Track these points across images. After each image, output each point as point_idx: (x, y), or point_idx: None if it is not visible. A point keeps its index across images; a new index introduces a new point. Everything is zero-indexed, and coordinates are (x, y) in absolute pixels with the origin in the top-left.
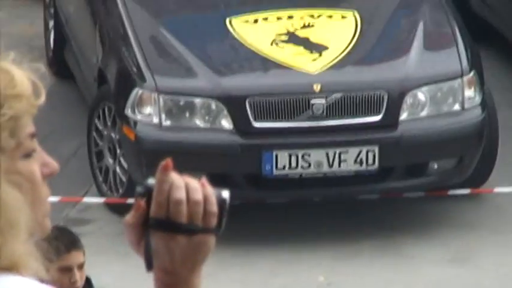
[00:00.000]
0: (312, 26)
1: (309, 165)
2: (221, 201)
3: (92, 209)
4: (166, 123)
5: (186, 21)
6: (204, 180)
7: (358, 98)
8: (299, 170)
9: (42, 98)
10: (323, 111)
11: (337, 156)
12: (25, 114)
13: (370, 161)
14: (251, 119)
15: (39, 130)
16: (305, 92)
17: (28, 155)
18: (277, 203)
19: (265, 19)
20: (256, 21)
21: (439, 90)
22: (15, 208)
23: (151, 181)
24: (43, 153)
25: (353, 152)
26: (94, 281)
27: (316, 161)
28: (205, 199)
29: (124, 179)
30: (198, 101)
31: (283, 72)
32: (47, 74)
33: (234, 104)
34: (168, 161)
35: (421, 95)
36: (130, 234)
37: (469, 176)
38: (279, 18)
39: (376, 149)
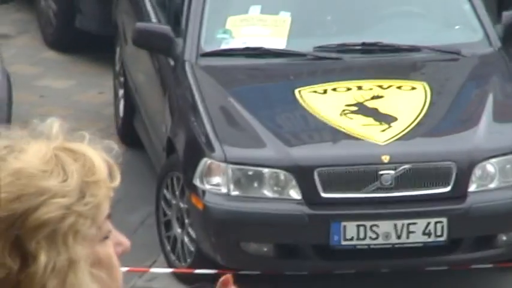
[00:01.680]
0: (381, 96)
1: (377, 236)
2: None
3: (159, 278)
4: (235, 193)
5: (255, 91)
6: None
7: (426, 169)
8: (367, 241)
9: (118, 180)
10: (391, 183)
11: (405, 227)
12: (105, 199)
13: (439, 232)
14: (319, 189)
15: None
16: (374, 163)
17: (106, 237)
18: (346, 273)
19: (334, 89)
20: (325, 91)
21: (508, 163)
22: None
23: None
24: (116, 232)
25: (421, 223)
26: None
27: (385, 232)
28: None
29: (192, 248)
30: (266, 171)
31: (352, 143)
32: (119, 152)
33: (302, 174)
34: (228, 277)
35: (490, 166)
36: None
37: None
38: (348, 89)
39: (445, 221)
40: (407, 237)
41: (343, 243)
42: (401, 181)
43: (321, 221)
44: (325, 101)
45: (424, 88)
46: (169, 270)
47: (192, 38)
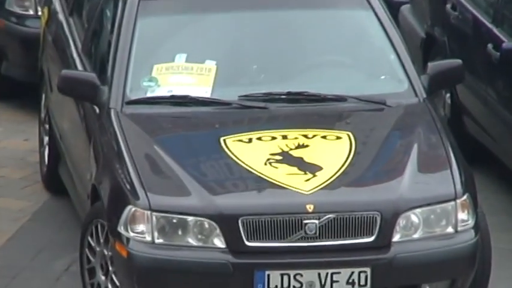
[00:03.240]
0: (307, 146)
1: (301, 285)
2: None
3: None
4: (159, 240)
5: (180, 139)
6: None
7: (351, 219)
8: None
9: None
10: (316, 232)
11: (329, 277)
12: None
13: (363, 282)
14: (244, 238)
15: (33, 246)
16: (298, 212)
17: None
18: None
19: (259, 138)
20: (250, 140)
21: (432, 213)
22: None
23: None
24: None
25: (345, 273)
26: None
27: (308, 281)
28: None
29: None
30: (190, 219)
31: (277, 192)
32: None
33: (226, 223)
34: None
35: (414, 217)
36: None
37: None
38: (273, 138)
39: (369, 271)
40: (331, 287)
41: None
42: (325, 230)
43: (245, 269)
44: (250, 150)
45: (349, 138)
46: None
47: (118, 85)
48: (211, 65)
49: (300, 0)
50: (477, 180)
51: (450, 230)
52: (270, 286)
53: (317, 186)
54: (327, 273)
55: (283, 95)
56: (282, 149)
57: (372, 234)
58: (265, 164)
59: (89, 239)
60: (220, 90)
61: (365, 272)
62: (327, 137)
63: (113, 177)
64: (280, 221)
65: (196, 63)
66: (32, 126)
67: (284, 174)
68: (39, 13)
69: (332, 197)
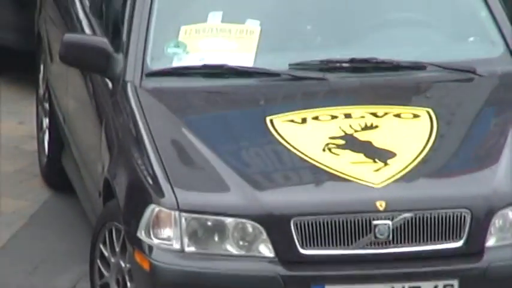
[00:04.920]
0: (376, 127)
1: None
2: None
3: None
4: (190, 249)
5: (215, 120)
6: None
7: (433, 219)
8: None
9: None
10: (388, 235)
11: None
12: None
13: None
14: (297, 244)
15: (30, 257)
16: (366, 211)
17: None
18: None
19: (316, 118)
20: (304, 120)
21: None
22: None
23: None
24: None
25: (426, 287)
26: None
27: None
28: None
29: None
30: (230, 221)
31: (339, 186)
32: None
33: (275, 226)
34: None
35: None
36: None
37: None
38: (333, 117)
39: (456, 284)
40: None
41: None
42: (400, 233)
43: (299, 284)
44: (305, 133)
45: (430, 116)
46: None
47: (136, 53)
48: (253, 25)
49: None
50: None
51: None
52: None
53: (389, 178)
54: None
55: (346, 62)
56: (344, 131)
57: (460, 238)
58: (324, 150)
59: (101, 247)
60: (266, 58)
61: (451, 285)
62: (401, 115)
63: (131, 169)
64: (343, 222)
65: (234, 23)
66: (28, 105)
67: (348, 163)
68: None
69: (408, 191)
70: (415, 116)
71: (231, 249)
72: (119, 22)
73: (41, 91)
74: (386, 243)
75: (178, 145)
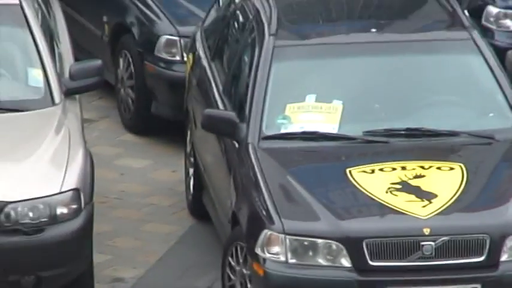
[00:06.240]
0: (423, 176)
1: None
2: None
3: None
4: (292, 261)
5: (310, 170)
6: None
7: (463, 241)
8: None
9: None
10: (432, 252)
11: None
12: None
13: None
14: (368, 258)
15: (180, 265)
16: (416, 235)
17: None
18: None
19: (381, 169)
20: (373, 171)
21: None
22: None
23: None
24: None
25: None
26: None
27: None
28: None
29: None
30: (320, 242)
31: (397, 217)
32: None
33: (352, 244)
34: None
35: None
36: None
37: None
38: (393, 169)
39: (479, 287)
40: None
41: None
42: (440, 251)
43: (369, 286)
44: (373, 180)
45: (461, 169)
46: None
47: (255, 123)
48: (338, 104)
49: (417, 47)
50: None
51: None
52: None
53: (433, 212)
54: None
55: (403, 130)
56: (401, 179)
57: (482, 255)
58: (386, 192)
59: (230, 259)
60: (346, 127)
61: None
62: (442, 168)
63: (251, 204)
64: (400, 242)
65: (324, 102)
66: (179, 159)
67: (403, 201)
68: (185, 59)
69: (446, 221)
70: (451, 168)
71: (321, 261)
72: (243, 100)
73: (188, 149)
74: (430, 258)
75: (284, 187)
